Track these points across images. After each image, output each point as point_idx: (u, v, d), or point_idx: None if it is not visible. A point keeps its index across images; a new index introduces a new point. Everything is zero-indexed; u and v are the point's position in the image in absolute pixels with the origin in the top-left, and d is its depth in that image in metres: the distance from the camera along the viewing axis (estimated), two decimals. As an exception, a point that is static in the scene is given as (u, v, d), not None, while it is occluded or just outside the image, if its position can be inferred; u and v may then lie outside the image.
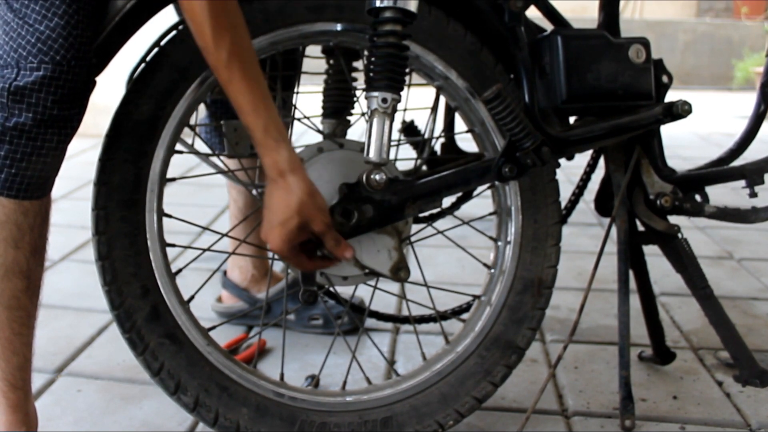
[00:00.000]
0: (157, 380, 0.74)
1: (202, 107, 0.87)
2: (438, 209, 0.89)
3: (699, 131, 3.40)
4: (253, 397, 0.76)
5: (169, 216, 0.77)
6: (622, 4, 0.88)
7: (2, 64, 0.63)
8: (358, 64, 0.91)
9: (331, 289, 0.88)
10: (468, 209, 1.01)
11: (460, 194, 0.97)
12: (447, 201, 0.90)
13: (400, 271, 0.79)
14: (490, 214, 0.89)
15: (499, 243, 0.87)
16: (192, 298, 0.79)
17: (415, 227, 0.86)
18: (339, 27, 0.79)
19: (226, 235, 0.78)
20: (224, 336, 1.11)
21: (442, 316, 1.01)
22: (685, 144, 3.00)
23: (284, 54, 0.91)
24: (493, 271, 0.86)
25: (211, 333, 0.79)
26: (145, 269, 0.74)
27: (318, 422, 0.78)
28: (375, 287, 0.86)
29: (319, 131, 0.88)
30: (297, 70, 0.95)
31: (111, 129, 0.74)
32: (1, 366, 0.70)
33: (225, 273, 1.22)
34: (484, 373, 0.82)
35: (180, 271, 0.79)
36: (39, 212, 0.68)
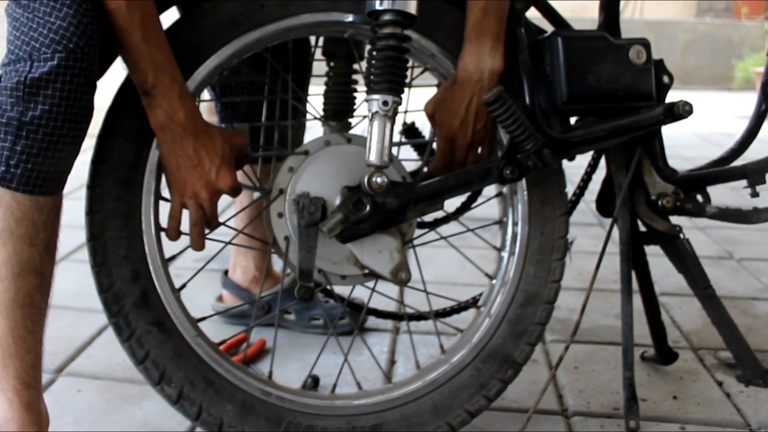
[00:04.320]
0: (141, 369, 0.72)
1: (204, 109, 0.86)
2: (442, 215, 0.89)
3: (699, 131, 3.40)
4: (240, 393, 0.74)
5: (167, 200, 0.74)
6: (622, 4, 0.88)
7: (15, 59, 0.63)
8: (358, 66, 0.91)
9: (329, 287, 0.88)
10: (471, 212, 1.00)
11: (464, 200, 0.96)
12: (451, 205, 0.88)
13: (400, 273, 0.77)
14: (495, 222, 0.87)
15: (503, 253, 0.84)
16: (184, 286, 0.77)
17: (417, 231, 0.84)
18: (353, 18, 0.78)
19: (224, 224, 0.76)
20: (224, 336, 1.11)
21: (437, 316, 1.00)
22: (685, 144, 3.00)
23: (294, 54, 0.89)
24: (494, 281, 0.84)
25: (210, 327, 0.78)
26: (138, 253, 0.71)
27: (305, 425, 0.75)
28: (373, 290, 0.85)
29: (329, 125, 0.85)
30: (309, 63, 0.94)
31: (113, 105, 0.72)
32: (15, 364, 0.69)
33: (226, 273, 1.21)
34: (478, 386, 0.79)
35: (174, 257, 0.76)
36: (52, 209, 0.68)
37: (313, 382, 0.98)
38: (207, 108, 1.19)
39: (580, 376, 1.03)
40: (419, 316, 1.08)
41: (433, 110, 0.80)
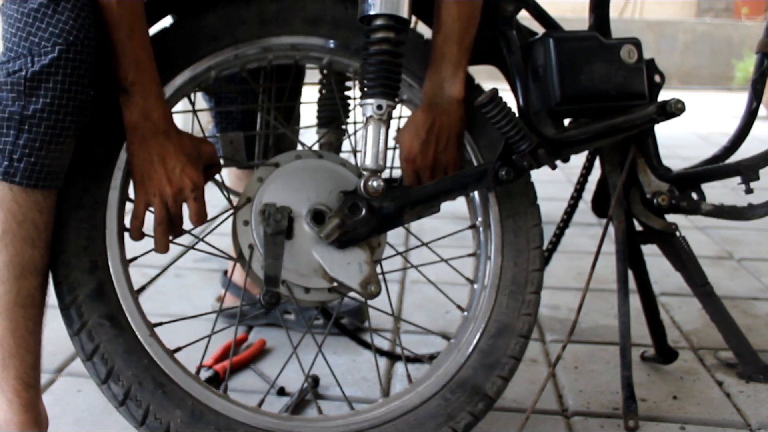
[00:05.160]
0: (88, 365, 0.69)
1: (199, 118, 0.87)
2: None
3: (699, 131, 3.40)
4: (190, 400, 0.71)
5: (131, 201, 0.73)
6: (621, 4, 0.89)
7: (13, 56, 0.64)
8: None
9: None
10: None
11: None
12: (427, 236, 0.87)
13: (369, 285, 0.75)
14: (469, 255, 0.86)
15: (476, 286, 0.83)
16: (143, 288, 0.75)
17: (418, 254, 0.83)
18: (332, 44, 0.79)
19: (188, 232, 0.75)
20: (224, 336, 1.11)
21: (408, 359, 0.97)
22: (685, 144, 3.00)
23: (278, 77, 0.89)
24: (466, 314, 0.83)
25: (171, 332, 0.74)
26: (98, 245, 0.71)
27: None
28: (338, 318, 0.82)
29: (302, 143, 0.86)
30: (302, 71, 0.93)
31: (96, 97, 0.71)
32: (16, 365, 0.69)
33: (225, 273, 1.22)
34: (446, 416, 0.76)
35: (135, 258, 0.75)
36: (51, 209, 0.69)
37: (313, 382, 0.98)
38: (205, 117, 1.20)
39: (579, 376, 1.03)
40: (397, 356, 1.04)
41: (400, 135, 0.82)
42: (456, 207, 0.93)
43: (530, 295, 0.81)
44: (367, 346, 1.06)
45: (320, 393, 1.00)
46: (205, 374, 0.98)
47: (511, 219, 0.82)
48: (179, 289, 1.33)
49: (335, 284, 0.76)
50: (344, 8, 0.80)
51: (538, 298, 0.81)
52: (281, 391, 0.97)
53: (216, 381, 1.01)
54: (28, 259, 0.67)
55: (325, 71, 0.90)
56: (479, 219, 0.84)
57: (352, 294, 0.78)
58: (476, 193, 0.84)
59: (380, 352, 1.05)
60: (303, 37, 0.78)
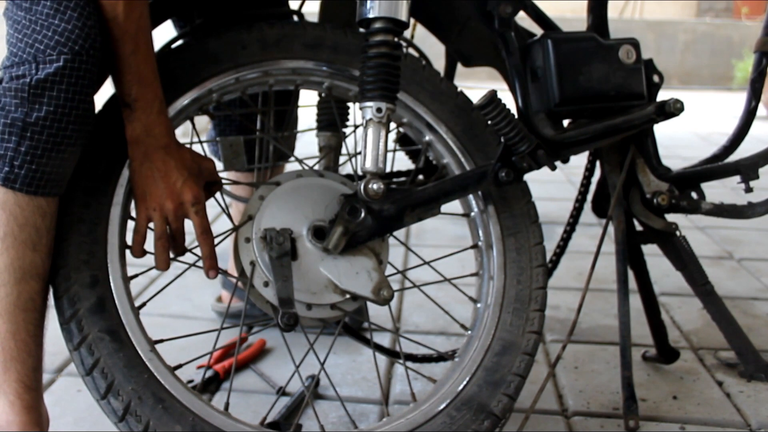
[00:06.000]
0: (88, 380, 0.69)
1: (206, 122, 0.87)
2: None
3: (699, 131, 3.40)
4: (191, 416, 0.70)
5: (132, 219, 0.74)
6: (621, 4, 0.89)
7: (18, 61, 0.64)
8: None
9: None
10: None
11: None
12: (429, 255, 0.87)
13: (382, 291, 0.75)
14: (473, 275, 0.86)
15: (479, 305, 0.83)
16: (143, 305, 0.75)
17: (418, 271, 0.82)
18: (331, 68, 0.80)
19: (190, 251, 0.75)
20: (224, 336, 1.12)
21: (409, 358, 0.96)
22: (685, 144, 3.00)
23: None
24: (470, 332, 0.82)
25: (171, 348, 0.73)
26: (99, 260, 0.71)
27: None
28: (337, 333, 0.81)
29: (308, 167, 0.85)
30: (291, 110, 0.94)
31: (100, 112, 0.72)
32: (17, 368, 0.70)
33: (225, 273, 1.22)
34: None
35: (136, 276, 0.76)
36: (54, 215, 0.69)
37: (313, 382, 0.98)
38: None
39: (580, 376, 1.03)
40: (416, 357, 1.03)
41: None
42: (456, 207, 0.93)
43: (534, 313, 0.81)
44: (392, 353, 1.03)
45: (320, 393, 1.00)
46: (200, 375, 0.98)
47: (512, 237, 0.82)
48: (179, 289, 1.33)
49: (347, 296, 0.75)
50: (344, 34, 0.81)
51: (542, 316, 0.81)
52: (281, 392, 0.97)
53: (216, 381, 1.01)
54: (29, 263, 0.67)
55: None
56: (481, 239, 0.84)
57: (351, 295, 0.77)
58: (477, 213, 0.84)
59: (409, 357, 1.02)
60: (303, 62, 0.79)
